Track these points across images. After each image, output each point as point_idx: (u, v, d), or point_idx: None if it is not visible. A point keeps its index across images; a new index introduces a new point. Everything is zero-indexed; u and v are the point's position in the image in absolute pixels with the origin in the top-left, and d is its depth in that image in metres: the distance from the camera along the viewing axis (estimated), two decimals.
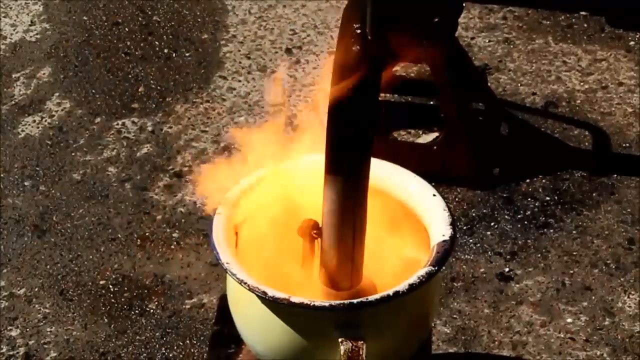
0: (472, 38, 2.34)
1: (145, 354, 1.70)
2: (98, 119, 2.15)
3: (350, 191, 1.19)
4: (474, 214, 1.93)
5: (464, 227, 1.90)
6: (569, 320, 1.74)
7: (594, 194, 1.97)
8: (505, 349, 1.70)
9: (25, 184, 2.01)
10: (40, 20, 2.41)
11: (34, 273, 1.83)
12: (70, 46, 2.34)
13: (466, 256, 1.85)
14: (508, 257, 1.85)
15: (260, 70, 2.26)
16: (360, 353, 1.17)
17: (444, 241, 1.25)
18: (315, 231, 1.26)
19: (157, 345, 1.72)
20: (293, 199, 1.32)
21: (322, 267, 1.26)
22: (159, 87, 2.23)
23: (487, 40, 2.34)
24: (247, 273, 1.21)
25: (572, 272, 1.83)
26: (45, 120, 2.14)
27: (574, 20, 2.39)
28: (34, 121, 2.14)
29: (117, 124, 2.14)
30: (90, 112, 2.17)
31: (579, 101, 2.18)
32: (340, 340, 1.18)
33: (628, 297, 1.78)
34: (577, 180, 2.00)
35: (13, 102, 2.19)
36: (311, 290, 1.27)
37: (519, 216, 1.93)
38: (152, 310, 1.77)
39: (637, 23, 2.37)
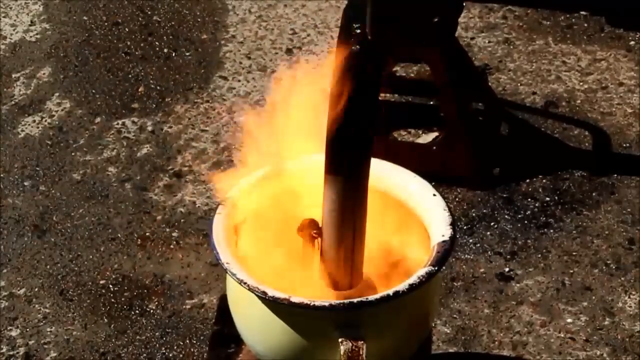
0: (472, 38, 2.34)
1: (145, 354, 1.70)
2: (98, 119, 2.15)
3: (350, 191, 1.19)
4: (474, 214, 1.93)
5: (464, 227, 1.90)
6: (569, 320, 1.74)
7: (594, 194, 1.97)
8: (505, 349, 1.70)
9: (25, 184, 2.01)
10: (40, 20, 2.41)
11: (34, 273, 1.83)
12: (70, 46, 2.34)
13: (466, 256, 1.85)
14: (508, 257, 1.85)
15: (260, 70, 2.26)
16: (360, 353, 1.17)
17: (444, 241, 1.25)
18: (315, 231, 1.26)
19: (157, 345, 1.72)
20: (293, 198, 1.32)
21: (322, 267, 1.26)
22: (159, 87, 2.23)
23: (487, 40, 2.34)
24: (247, 273, 1.21)
25: (572, 272, 1.83)
26: (45, 120, 2.14)
27: (574, 20, 2.39)
28: (34, 121, 2.14)
29: (117, 124, 2.14)
30: (90, 112, 2.17)
31: (579, 101, 2.18)
32: (340, 340, 1.18)
33: (628, 297, 1.78)
34: (577, 180, 2.00)
35: (13, 102, 2.19)
36: (311, 290, 1.27)
37: (519, 216, 1.93)
38: (152, 310, 1.77)
39: (637, 23, 2.37)
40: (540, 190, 1.98)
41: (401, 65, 2.23)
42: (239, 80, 2.24)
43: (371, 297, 1.20)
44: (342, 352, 1.17)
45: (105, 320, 1.75)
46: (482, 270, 1.83)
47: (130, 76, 2.26)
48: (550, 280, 1.81)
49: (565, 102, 2.18)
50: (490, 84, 2.18)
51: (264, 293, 1.18)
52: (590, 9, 2.40)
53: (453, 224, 1.27)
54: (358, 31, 1.11)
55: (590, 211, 1.94)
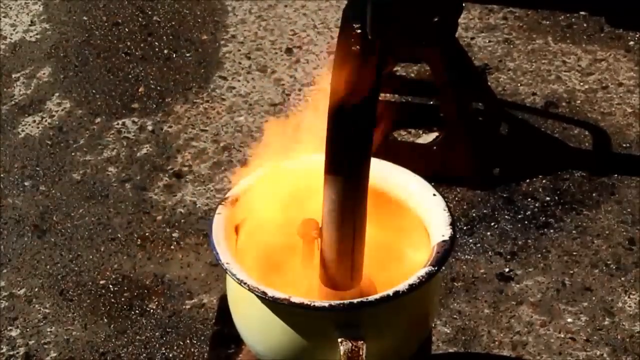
0: (472, 38, 2.34)
1: (145, 354, 1.70)
2: (98, 119, 2.15)
3: (350, 191, 1.19)
4: (474, 214, 1.93)
5: (464, 227, 1.90)
6: (569, 320, 1.74)
7: (594, 194, 1.97)
8: (505, 349, 1.70)
9: (25, 184, 2.01)
10: (40, 20, 2.41)
11: (34, 273, 1.83)
12: (70, 46, 2.34)
13: (466, 256, 1.85)
14: (508, 257, 1.85)
15: (260, 71, 2.26)
16: (360, 353, 1.17)
17: (444, 241, 1.25)
18: (315, 231, 1.26)
19: (157, 345, 1.72)
20: (293, 198, 1.32)
21: (322, 267, 1.26)
22: (159, 87, 2.23)
23: (487, 40, 2.34)
24: (247, 273, 1.21)
25: (572, 272, 1.83)
26: (45, 120, 2.14)
27: (573, 20, 2.39)
28: (34, 121, 2.14)
29: (117, 124, 2.14)
30: (90, 112, 2.17)
31: (579, 101, 2.18)
32: (340, 340, 1.18)
33: (628, 297, 1.78)
34: (577, 180, 2.00)
35: (13, 102, 2.19)
36: (311, 290, 1.27)
37: (519, 216, 1.93)
38: (152, 310, 1.77)
39: (637, 23, 2.37)
40: (540, 190, 1.98)
41: (401, 65, 2.23)
42: (239, 80, 2.24)
43: (371, 297, 1.20)
44: (342, 352, 1.17)
45: (105, 320, 1.75)
46: (482, 270, 1.83)
47: (130, 76, 2.26)
48: (550, 281, 1.81)
49: (565, 102, 2.18)
50: (490, 83, 2.18)
51: (264, 293, 1.18)
52: (590, 9, 2.40)
53: (453, 224, 1.27)
54: (358, 31, 1.11)
55: (590, 211, 1.94)
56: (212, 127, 2.12)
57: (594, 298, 1.78)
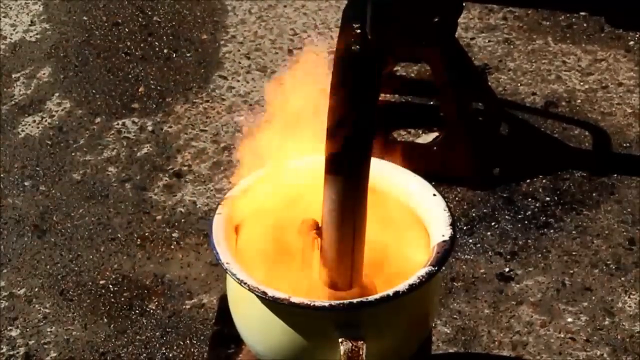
0: (472, 38, 2.34)
1: (145, 354, 1.70)
2: (98, 119, 2.15)
3: (350, 191, 1.19)
4: (474, 214, 1.93)
5: (464, 227, 1.90)
6: (569, 320, 1.74)
7: (594, 194, 1.97)
8: (505, 349, 1.70)
9: (25, 184, 2.01)
10: (40, 20, 2.41)
11: (34, 273, 1.83)
12: (70, 46, 2.34)
13: (466, 256, 1.85)
14: (508, 257, 1.85)
15: (260, 71, 2.26)
16: (360, 353, 1.17)
17: (444, 241, 1.25)
18: (315, 231, 1.26)
19: (157, 345, 1.72)
20: (293, 199, 1.32)
21: (322, 267, 1.26)
22: (159, 87, 2.23)
23: (487, 40, 2.34)
24: (247, 273, 1.21)
25: (572, 272, 1.83)
26: (45, 120, 2.14)
27: (573, 20, 2.39)
28: (34, 121, 2.14)
29: (117, 124, 2.14)
30: (90, 112, 2.17)
31: (579, 101, 2.18)
32: (340, 340, 1.18)
33: (628, 297, 1.78)
34: (577, 180, 2.00)
35: (13, 102, 2.19)
36: (311, 290, 1.27)
37: (519, 216, 1.93)
38: (152, 310, 1.77)
39: (637, 23, 2.37)
40: (540, 190, 1.98)
41: (401, 65, 2.23)
42: (239, 80, 2.24)
43: (371, 297, 1.20)
44: (342, 352, 1.17)
45: (105, 320, 1.75)
46: (482, 270, 1.83)
47: (130, 76, 2.26)
48: (550, 281, 1.81)
49: (565, 102, 2.18)
50: (490, 83, 2.18)
51: (264, 293, 1.18)
52: (590, 9, 2.40)
53: (453, 224, 1.27)
54: (358, 31, 1.11)
55: (590, 211, 1.94)
56: (212, 127, 2.12)
57: (594, 298, 1.78)
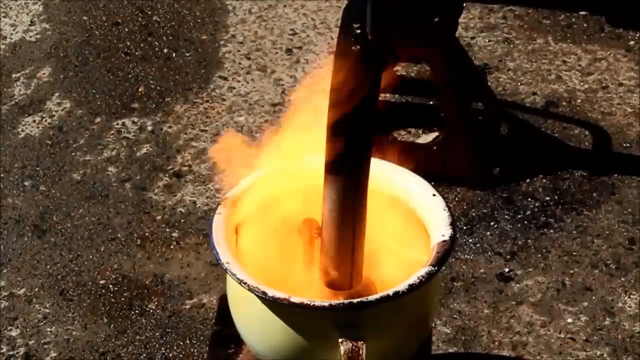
0: (472, 38, 2.34)
1: (145, 354, 1.70)
2: (98, 119, 2.15)
3: (350, 191, 1.19)
4: (474, 214, 1.93)
5: (464, 227, 1.90)
6: (569, 320, 1.74)
7: (594, 194, 1.97)
8: (505, 349, 1.70)
9: (25, 184, 2.01)
10: (40, 20, 2.41)
11: (34, 273, 1.83)
12: (70, 46, 2.34)
13: (466, 256, 1.85)
14: (508, 257, 1.85)
15: (260, 71, 2.26)
16: (360, 353, 1.17)
17: (444, 241, 1.25)
18: (315, 231, 1.26)
19: (157, 345, 1.72)
20: (293, 199, 1.32)
21: (322, 267, 1.26)
22: (159, 87, 2.23)
23: (487, 40, 2.34)
24: (247, 273, 1.21)
25: (572, 272, 1.83)
26: (45, 120, 2.14)
27: (574, 20, 2.39)
28: (34, 121, 2.14)
29: (117, 124, 2.14)
30: (90, 112, 2.17)
31: (579, 101, 2.18)
32: (340, 340, 1.18)
33: (628, 297, 1.78)
34: (578, 180, 2.00)
35: (13, 102, 2.19)
36: (311, 290, 1.27)
37: (519, 216, 1.93)
38: (152, 310, 1.77)
39: (637, 23, 2.37)
40: (540, 190, 1.98)
41: (401, 65, 2.23)
42: (239, 81, 2.24)
43: (371, 297, 1.20)
44: (342, 352, 1.17)
45: (105, 320, 1.75)
46: (482, 270, 1.83)
47: (130, 76, 2.26)
48: (550, 281, 1.81)
49: (566, 101, 2.18)
50: (490, 83, 2.18)
51: (264, 293, 1.18)
52: (590, 9, 2.40)
53: (453, 224, 1.27)
54: (358, 31, 1.11)
55: (590, 211, 1.94)
56: (212, 127, 2.12)
57: (594, 298, 1.78)
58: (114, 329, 1.74)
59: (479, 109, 2.01)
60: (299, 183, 1.32)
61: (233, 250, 1.25)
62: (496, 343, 1.71)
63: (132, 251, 1.87)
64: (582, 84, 2.22)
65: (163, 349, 1.71)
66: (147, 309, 1.77)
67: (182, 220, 1.92)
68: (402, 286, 1.19)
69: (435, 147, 1.96)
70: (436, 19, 1.30)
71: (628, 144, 2.08)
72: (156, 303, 1.78)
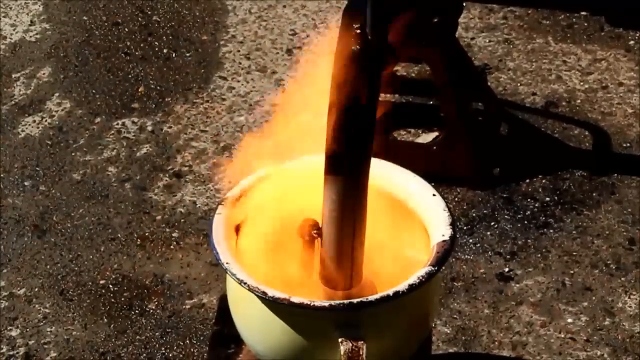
0: (472, 38, 2.34)
1: (145, 354, 1.70)
2: (98, 119, 2.15)
3: (350, 191, 1.19)
4: (474, 214, 1.93)
5: (464, 227, 1.90)
6: (569, 320, 1.74)
7: (594, 194, 1.97)
8: (505, 349, 1.70)
9: (25, 184, 2.01)
10: (40, 20, 2.41)
11: (34, 273, 1.83)
12: (70, 46, 2.34)
13: (466, 256, 1.85)
14: (508, 257, 1.85)
15: (260, 71, 2.26)
16: (360, 353, 1.17)
17: (444, 241, 1.25)
18: (315, 231, 1.26)
19: (157, 345, 1.72)
20: (293, 199, 1.32)
21: (322, 267, 1.26)
22: (159, 87, 2.23)
23: (487, 40, 2.34)
24: (247, 273, 1.21)
25: (572, 272, 1.83)
26: (45, 120, 2.14)
27: (574, 20, 2.39)
28: (34, 121, 2.14)
29: (117, 124, 2.14)
30: (90, 112, 2.17)
31: (579, 101, 2.18)
32: (340, 340, 1.18)
33: (628, 297, 1.78)
34: (578, 180, 2.00)
35: (13, 102, 2.19)
36: (311, 290, 1.27)
37: (519, 216, 1.93)
38: (152, 310, 1.77)
39: (637, 23, 2.37)
40: (540, 190, 1.98)
41: (401, 65, 2.23)
42: (239, 81, 2.24)
43: (371, 297, 1.20)
44: (342, 352, 1.17)
45: (105, 320, 1.75)
46: (482, 270, 1.83)
47: (130, 76, 2.26)
48: (550, 281, 1.81)
49: (566, 101, 2.18)
50: (490, 83, 2.18)
51: (264, 293, 1.18)
52: (590, 9, 2.40)
53: (453, 224, 1.27)
54: (358, 31, 1.11)
55: (590, 211, 1.94)
56: (212, 127, 2.12)
57: (594, 298, 1.78)
58: (114, 329, 1.74)
59: (479, 109, 2.01)
60: (299, 183, 1.31)
61: (233, 250, 1.25)
62: (496, 343, 1.71)
63: (132, 251, 1.87)
64: (582, 84, 2.22)
65: (163, 349, 1.71)
66: (147, 309, 1.77)
67: (182, 220, 1.92)
68: (402, 286, 1.19)
69: (435, 147, 1.96)
70: (436, 19, 1.30)
71: (628, 144, 2.08)
72: (156, 303, 1.78)
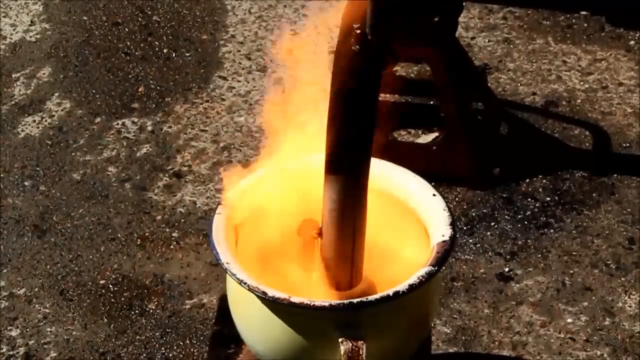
0: (472, 38, 2.34)
1: (145, 354, 1.70)
2: (98, 119, 2.15)
3: (350, 191, 1.19)
4: (474, 214, 1.93)
5: (464, 227, 1.90)
6: (569, 320, 1.74)
7: (594, 194, 1.97)
8: (505, 349, 1.70)
9: (25, 184, 2.01)
10: (40, 20, 2.41)
11: (34, 273, 1.83)
12: (70, 46, 2.34)
13: (466, 256, 1.85)
14: (508, 257, 1.85)
15: (260, 71, 2.26)
16: (360, 353, 1.17)
17: (444, 241, 1.25)
18: (315, 231, 1.26)
19: (157, 345, 1.72)
20: (293, 199, 1.32)
21: (322, 267, 1.26)
22: (158, 87, 2.23)
23: (487, 40, 2.34)
24: (247, 273, 1.21)
25: (572, 272, 1.83)
26: (45, 120, 2.14)
27: (574, 20, 2.39)
28: (34, 121, 2.14)
29: (117, 124, 2.14)
30: (90, 112, 2.17)
31: (579, 101, 2.18)
32: (340, 340, 1.18)
33: (628, 297, 1.78)
34: (577, 180, 2.00)
35: (13, 102, 2.19)
36: (311, 290, 1.27)
37: (519, 216, 1.93)
38: (152, 310, 1.77)
39: (637, 23, 2.37)
40: (540, 190, 1.98)
41: (401, 65, 2.23)
42: (239, 81, 2.24)
43: (371, 297, 1.20)
44: (342, 352, 1.17)
45: (105, 320, 1.75)
46: (482, 270, 1.83)
47: (130, 76, 2.26)
48: (550, 281, 1.81)
49: (566, 101, 2.18)
50: (490, 84, 2.18)
51: (264, 293, 1.18)
52: (590, 9, 2.40)
53: (453, 224, 1.27)
54: (358, 31, 1.11)
55: (590, 211, 1.94)
56: (212, 127, 2.12)
57: (594, 298, 1.78)
58: (114, 329, 1.74)
59: (479, 109, 2.01)
60: (299, 183, 1.31)
61: (233, 250, 1.25)
62: (496, 343, 1.71)
63: (132, 251, 1.87)
64: (582, 83, 2.22)
65: (163, 349, 1.71)
66: (147, 309, 1.77)
67: (182, 220, 1.92)
68: (402, 286, 1.19)
69: (435, 147, 1.96)
70: (436, 19, 1.30)
71: (628, 144, 2.08)
72: (156, 303, 1.78)
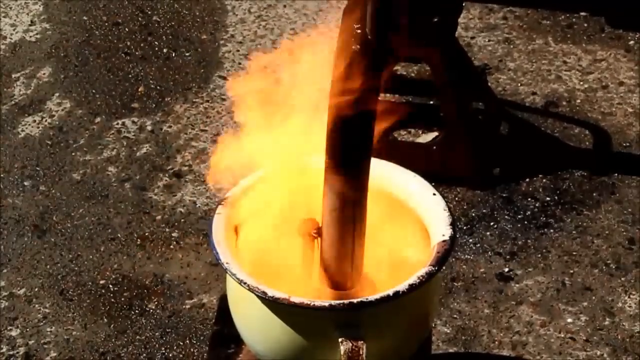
0: (472, 38, 2.34)
1: (145, 354, 1.70)
2: (98, 119, 2.15)
3: (350, 191, 1.19)
4: (474, 214, 1.93)
5: (464, 227, 1.90)
6: (569, 320, 1.74)
7: (594, 194, 1.97)
8: (505, 349, 1.70)
9: (25, 184, 2.01)
10: (40, 20, 2.41)
11: (34, 273, 1.83)
12: (70, 46, 2.34)
13: (466, 256, 1.85)
14: (508, 257, 1.85)
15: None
16: (360, 353, 1.17)
17: (444, 241, 1.25)
18: (315, 231, 1.26)
19: (157, 345, 1.72)
20: (293, 199, 1.32)
21: (322, 267, 1.26)
22: (158, 87, 2.23)
23: (487, 40, 2.34)
24: (247, 273, 1.21)
25: (572, 272, 1.83)
26: (45, 120, 2.14)
27: (574, 20, 2.39)
28: (34, 121, 2.14)
29: (117, 124, 2.14)
30: (90, 112, 2.17)
31: (579, 101, 2.18)
32: (340, 340, 1.18)
33: (628, 297, 1.78)
34: (578, 180, 2.00)
35: (13, 102, 2.19)
36: (311, 290, 1.27)
37: (519, 216, 1.93)
38: (152, 310, 1.77)
39: (637, 23, 2.37)
40: (540, 190, 1.98)
41: (401, 65, 2.23)
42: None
43: (371, 297, 1.20)
44: (342, 352, 1.17)
45: (105, 320, 1.75)
46: (482, 270, 1.83)
47: (130, 76, 2.26)
48: (550, 280, 1.81)
49: (566, 101, 2.18)
50: (490, 83, 2.18)
51: (264, 293, 1.18)
52: (590, 9, 2.40)
53: (453, 224, 1.27)
54: (358, 31, 1.11)
55: (590, 211, 1.94)
56: (212, 127, 2.12)
57: (594, 298, 1.78)
58: (114, 329, 1.74)
59: (479, 109, 2.01)
60: (299, 183, 1.31)
61: (233, 250, 1.25)
62: (496, 343, 1.71)
63: (132, 251, 1.87)
64: (582, 83, 2.22)
65: (163, 349, 1.71)
66: (147, 309, 1.77)
67: (182, 220, 1.92)
68: (402, 286, 1.19)
69: (435, 147, 1.96)
70: (436, 19, 1.31)
71: (628, 144, 2.08)
72: (156, 303, 1.78)
